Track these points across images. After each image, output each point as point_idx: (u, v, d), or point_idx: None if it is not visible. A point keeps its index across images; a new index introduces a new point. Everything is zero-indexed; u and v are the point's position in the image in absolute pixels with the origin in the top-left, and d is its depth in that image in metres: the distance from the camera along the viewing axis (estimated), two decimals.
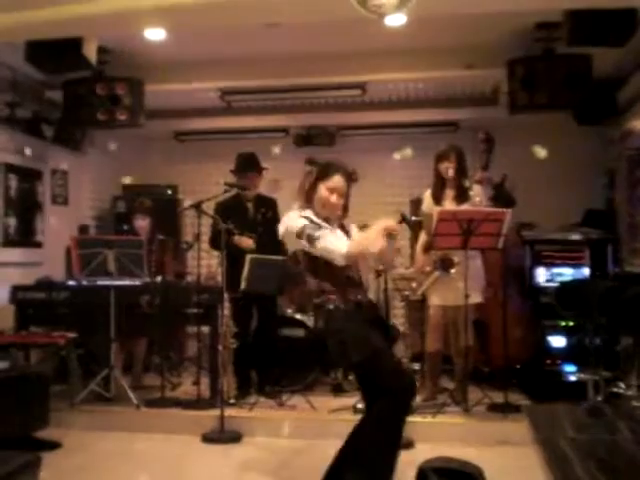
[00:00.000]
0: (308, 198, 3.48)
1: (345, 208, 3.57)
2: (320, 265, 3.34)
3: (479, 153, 5.65)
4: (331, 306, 3.32)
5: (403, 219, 5.52)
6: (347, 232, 3.57)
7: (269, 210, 5.97)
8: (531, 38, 5.69)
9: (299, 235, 3.28)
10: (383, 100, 7.48)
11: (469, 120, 7.49)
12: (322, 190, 3.45)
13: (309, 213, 3.42)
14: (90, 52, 5.47)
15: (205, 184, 7.35)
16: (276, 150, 7.57)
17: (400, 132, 7.90)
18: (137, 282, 5.56)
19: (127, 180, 8.04)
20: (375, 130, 7.98)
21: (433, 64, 6.32)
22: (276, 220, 4.93)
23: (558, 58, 5.65)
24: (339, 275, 3.36)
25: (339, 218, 3.56)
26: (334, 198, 3.45)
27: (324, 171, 3.49)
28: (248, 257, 5.49)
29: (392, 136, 7.94)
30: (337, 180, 3.48)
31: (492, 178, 5.63)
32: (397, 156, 7.00)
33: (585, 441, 1.85)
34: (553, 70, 5.62)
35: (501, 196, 5.60)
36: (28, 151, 6.68)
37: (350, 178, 3.56)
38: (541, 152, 6.41)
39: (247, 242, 5.69)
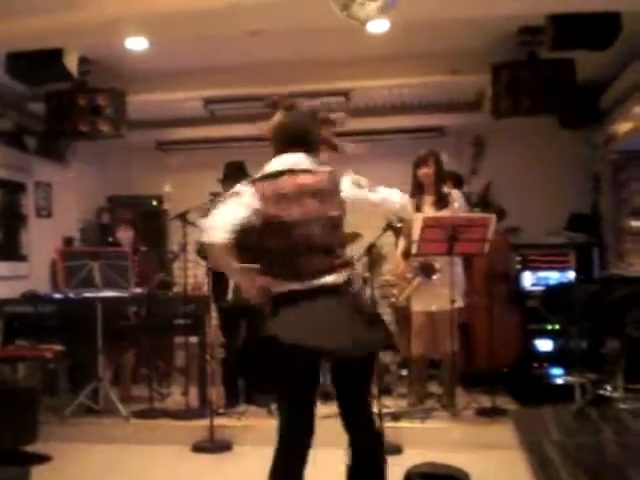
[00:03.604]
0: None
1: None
2: None
3: (468, 158, 5.66)
4: None
5: (389, 225, 5.55)
6: None
7: None
8: (515, 43, 5.71)
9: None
10: (367, 107, 7.49)
11: (454, 126, 7.52)
12: None
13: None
14: (71, 63, 5.46)
15: (190, 194, 7.33)
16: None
17: (385, 138, 7.92)
18: (123, 293, 5.53)
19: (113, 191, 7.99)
20: (360, 137, 7.98)
21: (417, 70, 6.33)
22: None
23: (541, 63, 5.68)
24: None
25: None
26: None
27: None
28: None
29: (377, 143, 7.95)
30: None
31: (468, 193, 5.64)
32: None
33: (570, 444, 1.85)
34: (536, 75, 5.65)
35: (485, 202, 5.63)
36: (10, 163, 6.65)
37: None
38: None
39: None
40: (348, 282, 2.88)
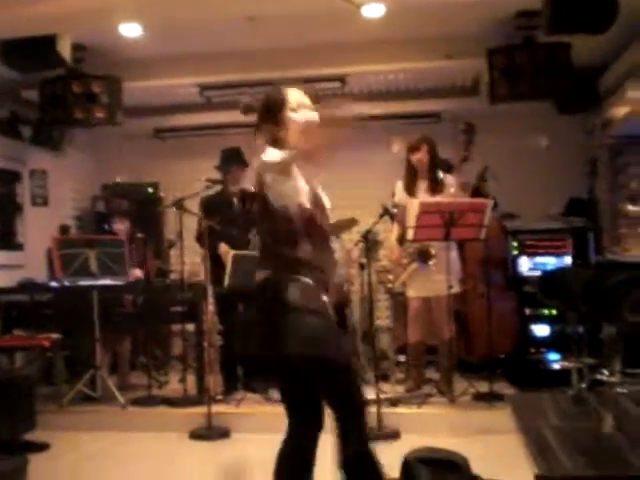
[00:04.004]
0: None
1: None
2: None
3: (459, 144, 5.65)
4: None
5: (385, 211, 5.55)
6: None
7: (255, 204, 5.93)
8: (511, 27, 5.68)
9: None
10: (363, 92, 7.46)
11: (450, 111, 7.48)
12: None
13: None
14: (64, 49, 5.42)
15: (187, 181, 7.31)
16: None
17: (381, 124, 7.88)
18: (120, 281, 5.52)
19: (118, 179, 7.93)
20: (356, 123, 7.94)
21: (413, 55, 6.30)
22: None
23: (538, 47, 5.65)
24: None
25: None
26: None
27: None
28: (231, 253, 5.46)
29: (373, 128, 7.91)
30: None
31: (468, 183, 5.63)
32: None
33: (569, 429, 1.85)
34: (533, 59, 5.62)
35: (482, 187, 5.62)
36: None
37: None
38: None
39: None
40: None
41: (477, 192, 5.77)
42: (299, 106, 2.87)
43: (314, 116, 2.81)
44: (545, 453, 1.61)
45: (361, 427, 2.81)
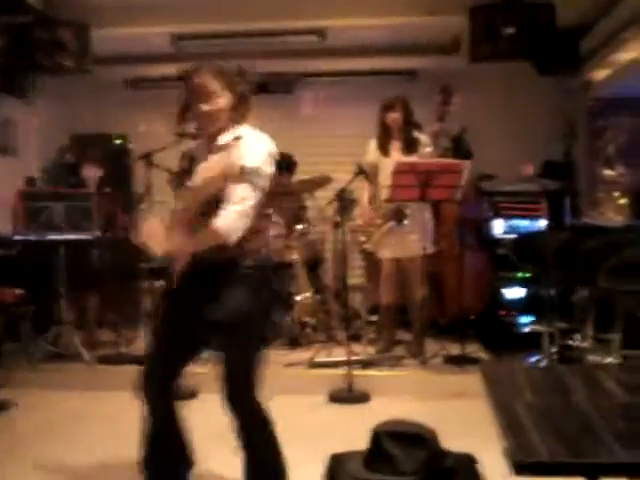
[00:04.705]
0: None
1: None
2: None
3: (436, 104, 5.55)
4: None
5: (360, 170, 5.46)
6: None
7: None
8: None
9: None
10: (342, 47, 7.28)
11: (428, 69, 7.36)
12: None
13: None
14: None
15: (159, 134, 7.11)
16: None
17: (359, 80, 7.75)
18: (87, 236, 5.40)
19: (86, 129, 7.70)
20: (334, 78, 7.80)
21: (393, 9, 6.16)
22: None
23: (521, 6, 5.54)
24: None
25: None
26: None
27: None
28: None
29: (351, 84, 7.79)
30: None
31: (449, 130, 5.56)
32: None
33: (541, 405, 1.79)
34: (515, 18, 5.52)
35: (459, 148, 5.54)
36: None
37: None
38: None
39: None
40: None
41: (458, 143, 5.69)
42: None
43: None
44: (517, 431, 1.56)
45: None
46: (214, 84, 2.70)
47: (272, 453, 2.88)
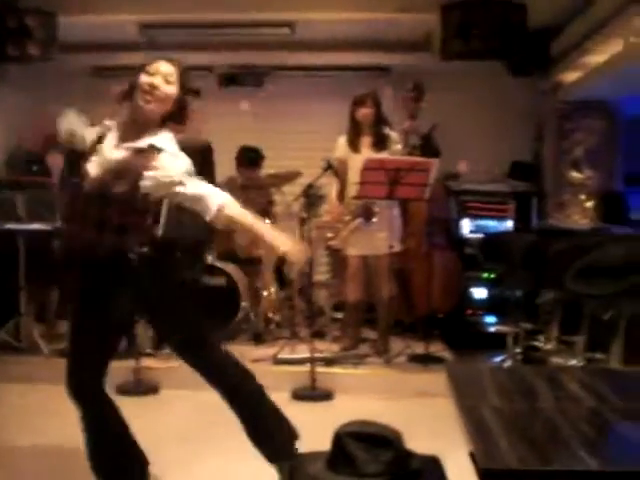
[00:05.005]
0: None
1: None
2: None
3: (407, 102, 5.53)
4: None
5: (329, 165, 5.41)
6: None
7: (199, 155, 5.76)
8: None
9: None
10: (313, 41, 7.22)
11: (400, 66, 7.33)
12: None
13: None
14: None
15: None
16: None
17: (330, 75, 7.70)
18: (48, 227, 5.29)
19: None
20: (305, 72, 7.74)
21: (366, 5, 6.12)
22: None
23: (493, 5, 5.53)
24: None
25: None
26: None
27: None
28: (165, 202, 5.25)
29: (322, 79, 7.73)
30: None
31: (419, 127, 5.55)
32: None
33: (507, 409, 1.76)
34: (488, 17, 5.51)
35: (428, 146, 5.53)
36: None
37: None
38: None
39: None
40: None
41: (427, 141, 5.67)
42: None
43: None
44: (484, 437, 1.52)
45: None
46: (176, 74, 2.82)
47: (266, 405, 3.03)
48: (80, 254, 2.81)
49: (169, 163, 2.73)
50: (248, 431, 3.00)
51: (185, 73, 2.86)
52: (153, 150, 2.74)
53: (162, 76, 2.77)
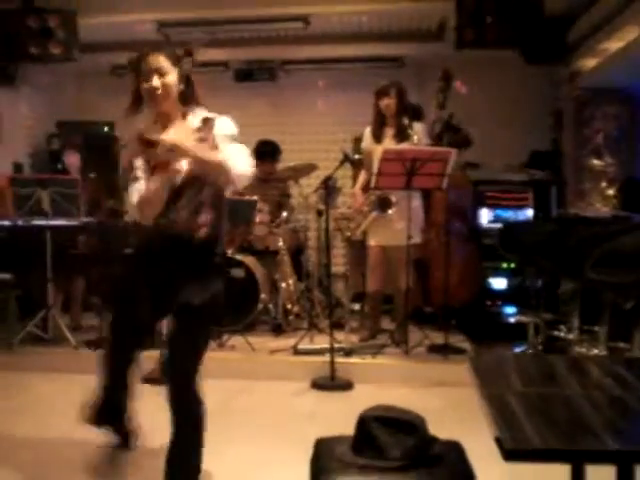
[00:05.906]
0: None
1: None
2: None
3: (435, 91, 5.49)
4: None
5: (346, 157, 5.44)
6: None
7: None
8: None
9: None
10: (327, 34, 7.24)
11: (415, 56, 7.34)
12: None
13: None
14: None
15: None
16: None
17: (344, 67, 7.72)
18: (73, 222, 5.41)
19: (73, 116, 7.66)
20: (319, 65, 7.76)
21: None
22: None
23: None
24: None
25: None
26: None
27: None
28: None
29: (336, 71, 7.75)
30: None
31: (443, 117, 5.53)
32: None
33: (532, 396, 1.79)
34: (503, 6, 5.50)
35: (456, 135, 5.50)
36: None
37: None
38: None
39: None
40: None
41: (454, 129, 5.64)
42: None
43: None
44: (509, 422, 1.56)
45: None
46: (165, 62, 2.77)
47: (198, 437, 2.88)
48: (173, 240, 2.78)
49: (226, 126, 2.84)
50: (172, 445, 2.88)
51: (171, 53, 2.81)
52: (208, 121, 2.78)
53: (156, 73, 2.75)
